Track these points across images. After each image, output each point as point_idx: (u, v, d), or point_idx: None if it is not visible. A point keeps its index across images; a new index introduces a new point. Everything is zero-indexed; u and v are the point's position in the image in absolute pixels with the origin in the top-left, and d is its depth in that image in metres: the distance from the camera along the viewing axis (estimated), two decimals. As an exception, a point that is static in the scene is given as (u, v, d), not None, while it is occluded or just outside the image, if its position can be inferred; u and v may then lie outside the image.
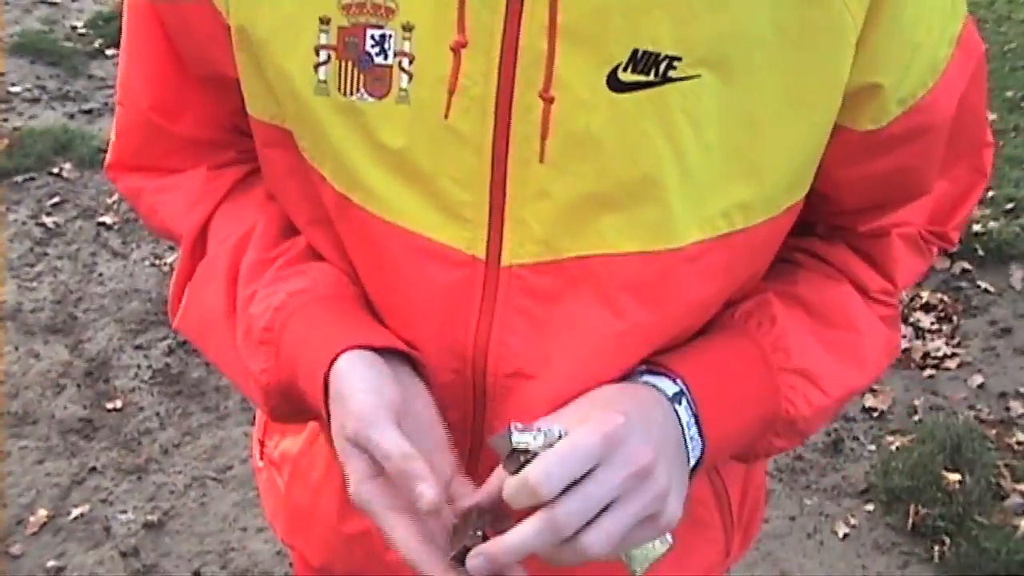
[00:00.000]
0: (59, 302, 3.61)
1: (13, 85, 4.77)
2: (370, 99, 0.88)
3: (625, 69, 0.83)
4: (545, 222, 0.88)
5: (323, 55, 0.88)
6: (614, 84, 0.83)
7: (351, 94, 0.88)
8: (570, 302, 0.90)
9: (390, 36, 0.86)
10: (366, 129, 0.88)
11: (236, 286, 1.01)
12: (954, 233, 1.11)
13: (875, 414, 3.36)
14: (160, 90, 1.04)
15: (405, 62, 0.86)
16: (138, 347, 3.45)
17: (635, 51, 0.83)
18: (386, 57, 0.86)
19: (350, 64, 0.87)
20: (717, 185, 0.88)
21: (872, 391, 3.44)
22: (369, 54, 0.87)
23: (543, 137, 0.85)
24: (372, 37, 0.87)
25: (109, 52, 5.10)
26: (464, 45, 0.84)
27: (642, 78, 0.83)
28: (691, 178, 0.86)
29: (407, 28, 0.86)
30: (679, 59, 0.83)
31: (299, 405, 0.93)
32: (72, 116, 4.55)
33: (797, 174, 0.92)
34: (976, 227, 4.27)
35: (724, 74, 0.84)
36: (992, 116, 5.24)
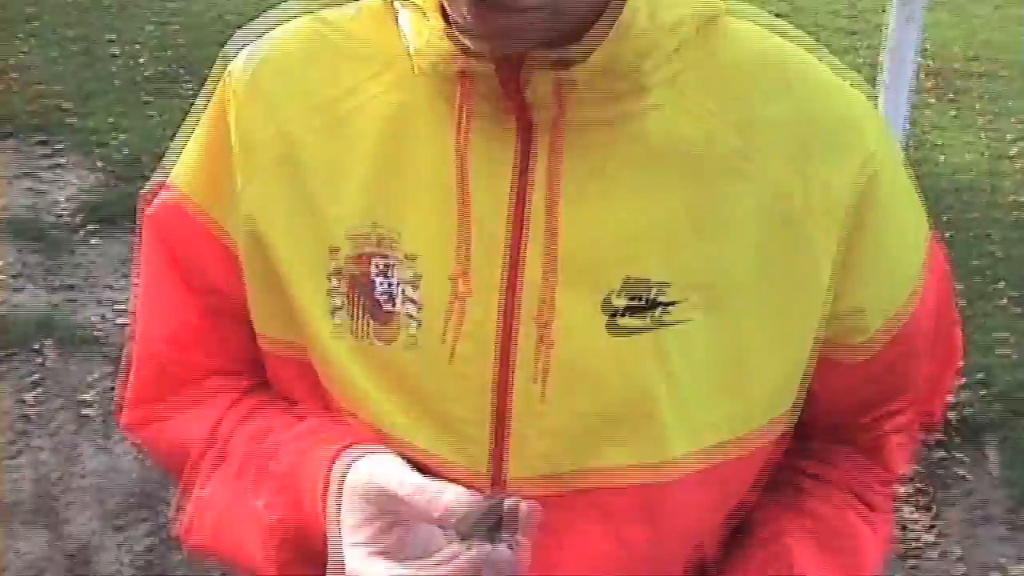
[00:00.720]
0: (40, 491, 3.57)
1: (-5, 264, 4.80)
2: (380, 344, 0.94)
3: (619, 295, 0.91)
4: (546, 442, 0.93)
5: (337, 300, 0.95)
6: (612, 325, 0.91)
7: (362, 339, 0.94)
8: (571, 519, 0.95)
9: (390, 266, 0.93)
10: (375, 367, 0.94)
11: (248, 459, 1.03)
12: (938, 411, 1.17)
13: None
14: (173, 323, 1.09)
15: (413, 309, 0.92)
16: (119, 528, 3.41)
17: (627, 277, 0.90)
18: (393, 304, 0.93)
19: (362, 310, 0.94)
20: (706, 402, 0.94)
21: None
22: (378, 302, 0.93)
23: (544, 379, 0.91)
24: (380, 284, 0.94)
25: (92, 233, 5.15)
26: (469, 294, 0.91)
27: (638, 322, 0.91)
28: (682, 398, 0.93)
29: (410, 257, 0.93)
30: (668, 285, 0.91)
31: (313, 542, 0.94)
32: (54, 295, 4.57)
33: (780, 391, 0.98)
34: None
35: (712, 305, 0.92)
36: (960, 286, 5.34)
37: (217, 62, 1.08)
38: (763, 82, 0.96)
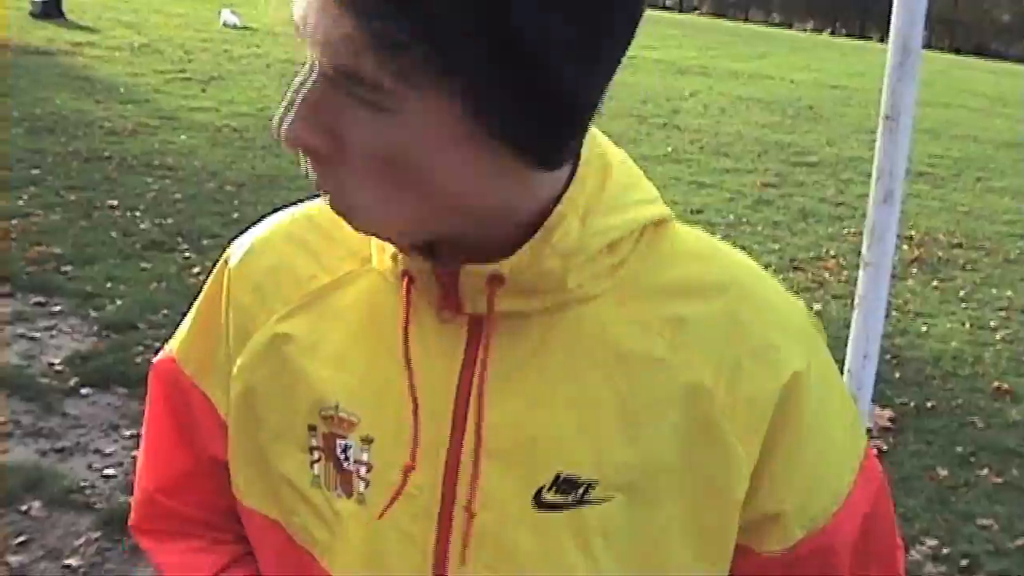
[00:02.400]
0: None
1: (-13, 419, 4.80)
2: (342, 496, 1.02)
3: (549, 490, 0.96)
4: None
5: (315, 454, 1.03)
6: (538, 503, 0.96)
7: (331, 490, 1.02)
8: None
9: (350, 447, 1.01)
10: (341, 520, 1.02)
11: None
12: None
13: None
14: (164, 470, 1.20)
15: (363, 470, 1.00)
16: None
17: (558, 475, 0.96)
18: (349, 464, 1.01)
19: (331, 465, 1.02)
20: None
21: None
22: (339, 459, 1.01)
23: (464, 545, 0.97)
24: (340, 446, 1.01)
25: (84, 391, 5.17)
26: (413, 468, 0.98)
27: (562, 499, 0.96)
28: None
29: (366, 440, 1.00)
30: (597, 483, 0.96)
31: None
32: (44, 454, 4.55)
33: None
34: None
35: (634, 496, 0.96)
36: (943, 472, 5.37)
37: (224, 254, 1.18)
38: (701, 278, 1.00)
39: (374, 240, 1.01)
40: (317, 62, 0.85)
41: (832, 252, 9.51)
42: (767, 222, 10.55)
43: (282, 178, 9.71)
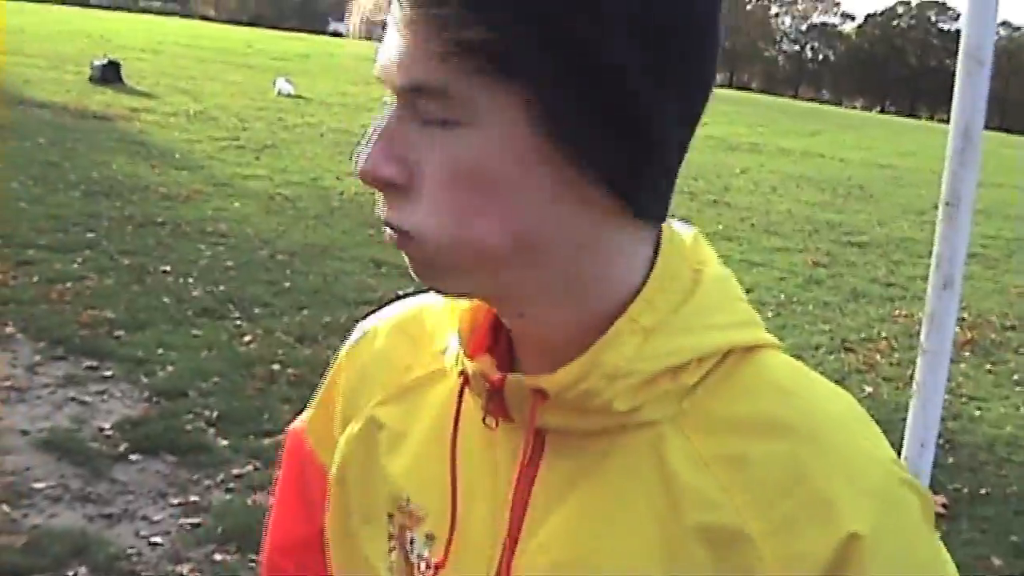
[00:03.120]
0: None
1: (36, 481, 4.82)
2: None
3: None
4: None
5: (392, 542, 1.03)
6: None
7: None
8: None
9: (415, 540, 1.01)
10: None
11: None
12: None
13: None
14: (284, 535, 1.24)
15: (423, 565, 1.00)
16: None
17: None
18: (413, 557, 1.01)
19: (401, 556, 1.02)
20: None
21: None
22: (406, 552, 1.02)
23: None
24: (408, 538, 1.01)
25: (133, 457, 5.19)
26: (442, 567, 0.99)
27: None
28: None
29: (429, 537, 0.99)
30: None
31: None
32: (91, 519, 4.56)
33: None
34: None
35: None
36: (998, 562, 5.27)
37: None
38: (772, 413, 0.89)
39: (451, 341, 1.00)
40: (391, 94, 0.86)
41: (883, 334, 9.43)
42: (817, 302, 10.49)
43: (334, 248, 9.78)
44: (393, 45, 0.83)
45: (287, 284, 8.44)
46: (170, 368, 6.33)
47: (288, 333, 7.21)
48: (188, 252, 9.06)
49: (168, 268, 8.46)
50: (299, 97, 22.27)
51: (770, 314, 9.61)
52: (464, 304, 0.99)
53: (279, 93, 22.29)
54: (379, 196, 0.88)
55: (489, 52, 0.79)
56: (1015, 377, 8.67)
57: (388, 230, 0.88)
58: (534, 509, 0.94)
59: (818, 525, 0.84)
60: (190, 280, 8.23)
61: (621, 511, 0.90)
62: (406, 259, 0.89)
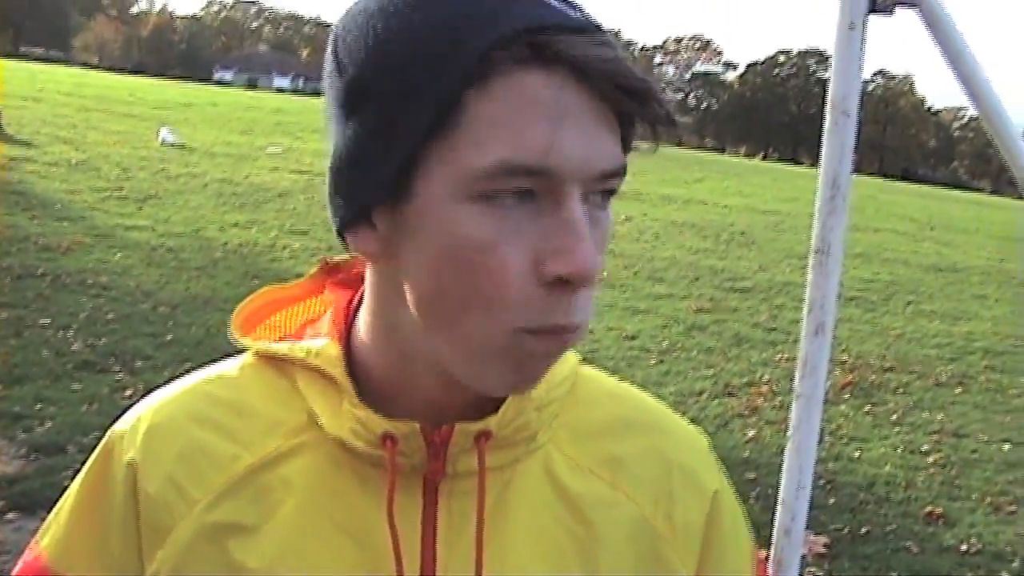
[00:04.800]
0: None
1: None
2: None
3: None
4: None
5: None
6: None
7: None
8: None
9: None
10: None
11: None
12: None
13: None
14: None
15: None
16: None
17: None
18: None
19: None
20: None
21: None
22: None
23: None
24: None
25: (10, 516, 5.06)
26: None
27: None
28: None
29: None
30: None
31: None
32: (-35, 579, 4.44)
33: None
34: None
35: None
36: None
37: (106, 439, 1.09)
38: (624, 417, 1.09)
39: (323, 408, 0.99)
40: (582, 191, 0.87)
41: (765, 378, 9.59)
42: (701, 348, 10.63)
43: (216, 299, 9.67)
44: (590, 139, 0.85)
45: (169, 336, 8.32)
46: (49, 423, 6.19)
47: (171, 386, 7.05)
48: (68, 304, 8.89)
49: (47, 321, 8.29)
50: (182, 147, 22.04)
51: (653, 361, 9.73)
52: (303, 374, 1.01)
53: (162, 142, 22.04)
54: (555, 298, 0.87)
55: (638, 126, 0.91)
56: (893, 417, 8.88)
57: (566, 335, 0.89)
58: (448, 554, 0.97)
59: (692, 493, 1.08)
60: (70, 333, 8.07)
61: (537, 535, 1.00)
62: (548, 358, 0.92)
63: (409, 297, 0.91)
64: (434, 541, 0.97)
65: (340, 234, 0.95)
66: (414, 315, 0.92)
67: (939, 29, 1.90)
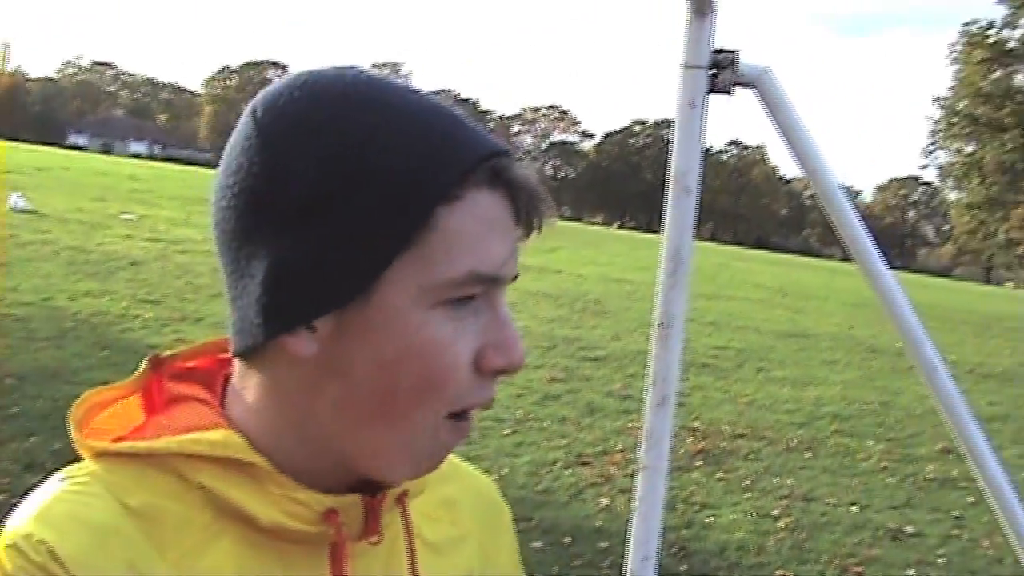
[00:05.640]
0: None
1: None
2: None
3: None
4: None
5: None
6: None
7: None
8: None
9: None
10: None
11: None
12: None
13: None
14: None
15: None
16: None
17: None
18: None
19: None
20: None
21: None
22: None
23: None
24: None
25: None
26: None
27: None
28: None
29: None
30: None
31: None
32: None
33: None
34: None
35: None
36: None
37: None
38: (440, 471, 1.14)
39: (243, 497, 0.99)
40: (505, 283, 1.02)
41: (619, 446, 9.68)
42: (555, 417, 10.68)
43: (65, 371, 9.43)
44: (513, 248, 1.00)
45: (15, 409, 8.07)
46: None
47: (15, 461, 6.88)
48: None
49: None
50: (34, 212, 21.55)
51: (507, 431, 9.73)
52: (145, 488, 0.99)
53: (12, 208, 21.50)
54: (484, 383, 1.01)
55: None
56: (745, 483, 9.04)
57: (473, 415, 1.03)
58: None
59: (500, 519, 1.29)
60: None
61: (428, 549, 1.14)
62: (459, 438, 1.05)
63: (334, 395, 0.97)
64: None
65: (266, 337, 0.96)
66: (328, 412, 0.98)
67: (775, 107, 1.98)
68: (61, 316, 12.01)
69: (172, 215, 25.26)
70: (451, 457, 1.17)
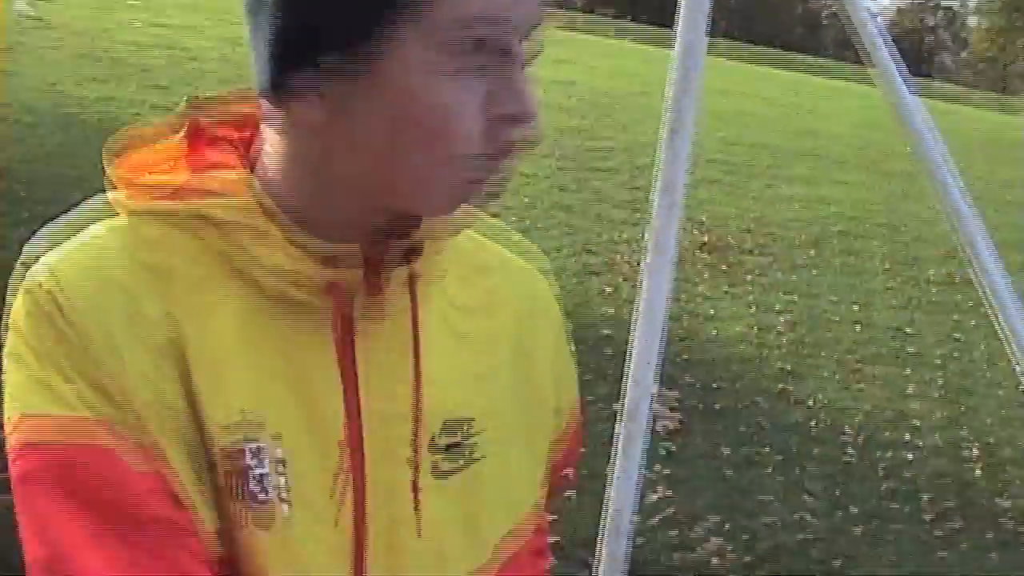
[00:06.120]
0: None
1: None
2: (259, 531, 1.00)
3: (440, 436, 1.09)
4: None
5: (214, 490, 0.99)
6: (436, 469, 1.08)
7: (243, 528, 1.00)
8: None
9: (264, 448, 1.00)
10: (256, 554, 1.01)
11: None
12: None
13: None
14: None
15: (284, 493, 1.01)
16: None
17: (445, 421, 1.09)
18: (267, 492, 1.00)
19: (240, 499, 1.00)
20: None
21: None
22: (253, 492, 1.00)
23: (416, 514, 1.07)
24: (254, 471, 1.00)
25: None
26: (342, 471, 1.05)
27: (452, 464, 1.10)
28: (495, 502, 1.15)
29: (276, 437, 1.01)
30: (472, 421, 1.11)
31: None
32: None
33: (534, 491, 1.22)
34: (716, 560, 4.52)
35: (494, 437, 1.14)
36: (729, 472, 5.60)
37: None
38: (480, 261, 1.21)
39: (262, 263, 1.00)
40: (519, 40, 0.97)
41: (625, 236, 9.71)
42: (561, 205, 10.67)
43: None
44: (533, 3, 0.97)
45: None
46: None
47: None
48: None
49: None
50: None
51: (514, 218, 9.73)
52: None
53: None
54: (499, 133, 0.98)
55: None
56: (750, 298, 9.09)
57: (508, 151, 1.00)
58: (368, 390, 1.05)
59: (544, 314, 1.25)
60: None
61: (450, 347, 1.12)
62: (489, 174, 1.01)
63: (353, 146, 0.99)
64: (355, 377, 1.04)
65: (278, 72, 0.97)
66: (346, 155, 0.99)
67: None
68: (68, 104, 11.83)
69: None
70: (504, 251, 1.24)
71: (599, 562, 3.47)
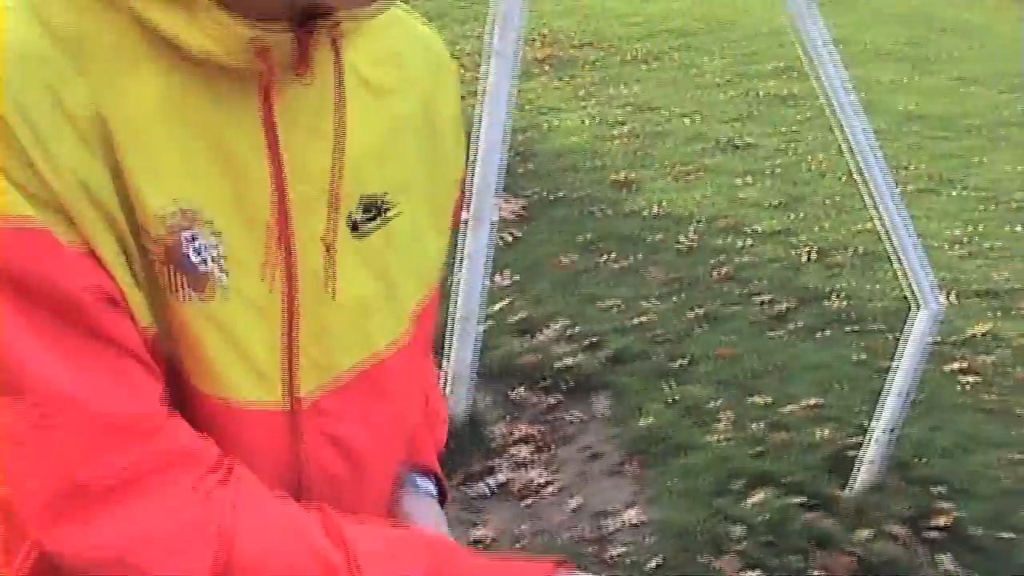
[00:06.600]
0: None
1: None
2: (200, 303, 0.97)
3: (357, 211, 1.08)
4: (324, 349, 1.07)
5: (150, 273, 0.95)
6: (356, 232, 1.08)
7: (185, 302, 0.97)
8: (362, 403, 1.11)
9: (198, 233, 0.97)
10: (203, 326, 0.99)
11: None
12: None
13: (481, 546, 3.53)
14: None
15: (223, 264, 0.99)
16: None
17: (362, 196, 1.08)
18: (206, 264, 0.97)
19: (179, 280, 0.96)
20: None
21: (474, 524, 3.64)
22: (194, 268, 0.97)
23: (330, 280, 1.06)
24: (191, 253, 0.96)
25: None
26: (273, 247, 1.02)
27: (372, 225, 1.10)
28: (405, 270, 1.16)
29: (209, 221, 0.97)
30: (387, 195, 1.11)
31: None
32: None
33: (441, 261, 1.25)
34: (564, 362, 4.61)
35: (405, 202, 1.14)
36: (570, 258, 5.68)
37: None
38: (390, 19, 1.15)
39: (173, 24, 0.93)
40: None
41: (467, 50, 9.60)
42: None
43: None
44: None
45: None
46: None
47: None
48: None
49: None
50: None
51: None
52: None
53: None
54: None
55: None
56: (587, 91, 9.11)
57: None
58: (297, 146, 1.01)
59: (446, 71, 1.24)
60: None
61: (367, 119, 1.09)
62: None
63: None
64: (277, 142, 0.99)
65: None
66: None
67: None
68: None
69: None
70: (397, 11, 1.18)
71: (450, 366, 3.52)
